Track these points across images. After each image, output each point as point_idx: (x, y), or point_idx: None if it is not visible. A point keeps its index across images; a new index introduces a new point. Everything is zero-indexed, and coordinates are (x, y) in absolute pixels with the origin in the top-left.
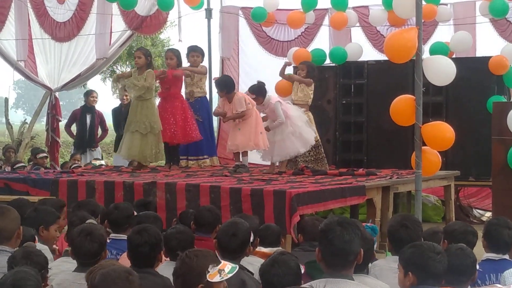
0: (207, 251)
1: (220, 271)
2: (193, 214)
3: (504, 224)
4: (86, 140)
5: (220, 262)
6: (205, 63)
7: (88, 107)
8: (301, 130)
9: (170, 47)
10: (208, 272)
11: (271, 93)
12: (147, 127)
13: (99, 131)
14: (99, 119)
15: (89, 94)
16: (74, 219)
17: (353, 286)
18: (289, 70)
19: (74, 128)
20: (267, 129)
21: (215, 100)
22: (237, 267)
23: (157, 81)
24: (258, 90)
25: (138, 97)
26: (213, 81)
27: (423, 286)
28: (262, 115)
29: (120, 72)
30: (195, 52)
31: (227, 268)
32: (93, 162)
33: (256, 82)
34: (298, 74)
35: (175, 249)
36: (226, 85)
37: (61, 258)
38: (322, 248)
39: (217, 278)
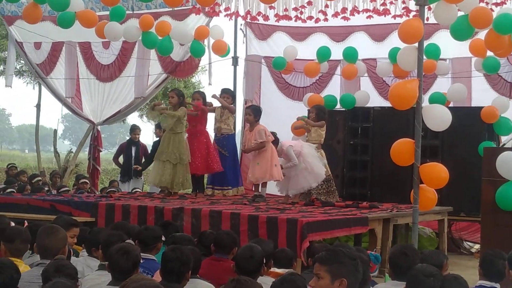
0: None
1: None
2: (211, 234)
3: (499, 255)
4: (131, 169)
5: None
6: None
7: (134, 141)
8: (313, 166)
9: (200, 89)
10: None
11: (286, 134)
12: (177, 157)
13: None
14: (143, 150)
15: (133, 130)
16: (110, 238)
17: None
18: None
19: (121, 159)
20: (282, 167)
21: (238, 137)
22: None
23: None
24: (255, 111)
25: (170, 130)
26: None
27: None
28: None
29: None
30: (226, 93)
31: None
32: None
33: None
34: (310, 117)
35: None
36: (257, 112)
37: (98, 271)
38: None
39: None
